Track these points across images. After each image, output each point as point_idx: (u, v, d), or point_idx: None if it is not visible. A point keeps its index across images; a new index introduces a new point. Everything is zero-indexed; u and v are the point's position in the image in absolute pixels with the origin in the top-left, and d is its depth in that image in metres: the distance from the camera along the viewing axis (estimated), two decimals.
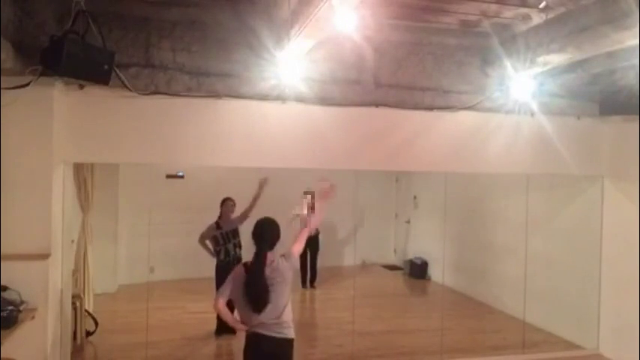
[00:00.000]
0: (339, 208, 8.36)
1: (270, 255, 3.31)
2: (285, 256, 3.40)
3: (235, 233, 6.10)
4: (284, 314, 3.33)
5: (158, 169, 6.91)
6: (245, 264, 3.38)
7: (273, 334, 3.30)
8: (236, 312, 3.44)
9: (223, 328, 5.86)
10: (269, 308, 3.25)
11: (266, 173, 5.90)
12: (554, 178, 6.28)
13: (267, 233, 3.36)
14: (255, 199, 6.08)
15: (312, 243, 8.29)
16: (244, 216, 6.10)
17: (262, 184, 6.07)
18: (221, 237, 6.07)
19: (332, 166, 5.20)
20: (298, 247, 3.51)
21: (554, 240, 6.52)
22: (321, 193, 3.87)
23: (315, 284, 8.49)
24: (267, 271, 3.26)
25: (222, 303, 3.30)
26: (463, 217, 8.02)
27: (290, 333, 3.38)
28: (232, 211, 6.18)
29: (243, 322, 3.35)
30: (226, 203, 6.19)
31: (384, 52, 5.08)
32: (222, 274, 5.78)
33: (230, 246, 6.05)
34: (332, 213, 8.50)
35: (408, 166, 5.76)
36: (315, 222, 3.86)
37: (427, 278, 9.35)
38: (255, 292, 3.23)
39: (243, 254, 6.01)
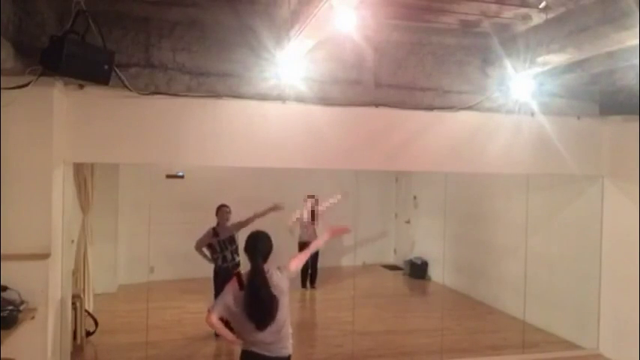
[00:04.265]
0: (339, 209, 8.38)
1: (265, 267, 3.19)
2: (280, 268, 3.29)
3: (232, 240, 6.05)
4: (284, 329, 3.22)
5: (158, 169, 6.91)
6: (238, 275, 3.20)
7: (272, 355, 3.18)
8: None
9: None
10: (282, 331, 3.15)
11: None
12: (554, 178, 6.28)
13: (259, 246, 3.23)
14: (257, 216, 5.97)
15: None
16: (241, 225, 6.03)
17: (273, 209, 6.01)
18: (218, 244, 6.02)
19: (332, 166, 5.20)
20: (297, 263, 3.41)
21: (554, 240, 6.52)
22: (335, 230, 3.70)
23: (316, 285, 8.49)
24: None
25: (215, 318, 3.15)
26: (463, 217, 8.02)
27: (288, 350, 3.26)
28: (228, 218, 6.12)
29: (239, 337, 3.24)
30: (222, 210, 6.11)
31: (384, 52, 5.08)
32: (220, 280, 5.78)
33: (227, 253, 6.01)
34: (332, 213, 8.54)
35: (408, 166, 5.76)
36: (314, 247, 3.68)
37: (427, 278, 9.35)
38: (260, 308, 3.09)
39: (241, 261, 6.00)
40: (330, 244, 9.16)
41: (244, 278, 3.17)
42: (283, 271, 3.30)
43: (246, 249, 3.27)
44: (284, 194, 6.68)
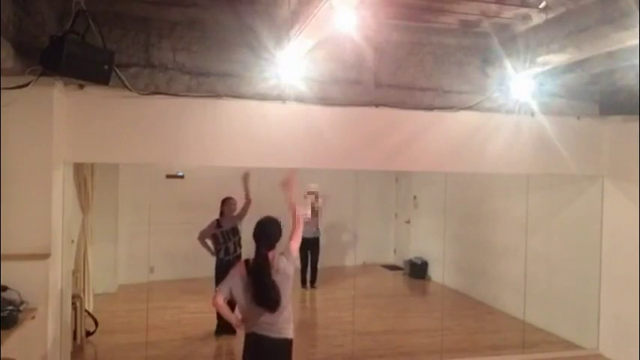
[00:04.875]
0: (339, 209, 8.38)
1: (270, 253, 3.30)
2: (284, 253, 3.39)
3: (235, 231, 6.10)
4: (285, 313, 3.33)
5: (158, 169, 6.91)
6: (247, 261, 3.35)
7: (273, 335, 3.30)
8: (237, 310, 3.44)
9: (223, 329, 5.86)
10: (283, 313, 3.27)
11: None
12: (554, 178, 6.28)
13: (267, 233, 3.34)
14: (247, 195, 6.10)
15: (313, 245, 8.29)
16: (243, 213, 6.12)
17: (245, 180, 6.09)
18: (221, 235, 6.07)
19: (332, 166, 5.20)
20: (295, 244, 3.48)
21: (554, 240, 6.52)
22: (284, 183, 3.69)
23: (316, 284, 8.49)
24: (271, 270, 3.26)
25: (220, 299, 3.29)
26: (463, 217, 8.01)
27: (289, 333, 3.38)
28: (234, 210, 6.20)
29: (243, 321, 3.35)
30: (228, 202, 6.19)
31: (384, 52, 5.08)
32: (222, 273, 5.78)
33: (230, 244, 6.06)
34: (332, 213, 8.55)
35: (408, 166, 5.75)
36: (296, 214, 3.64)
37: (427, 278, 9.35)
38: (265, 293, 3.21)
39: (243, 253, 6.03)
40: (331, 244, 9.18)
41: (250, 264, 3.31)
42: (288, 256, 3.39)
43: (254, 235, 3.37)
44: (284, 194, 6.65)
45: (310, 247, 8.23)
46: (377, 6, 4.02)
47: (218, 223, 6.12)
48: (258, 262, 3.27)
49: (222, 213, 6.19)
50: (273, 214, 3.56)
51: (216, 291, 3.35)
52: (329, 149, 5.05)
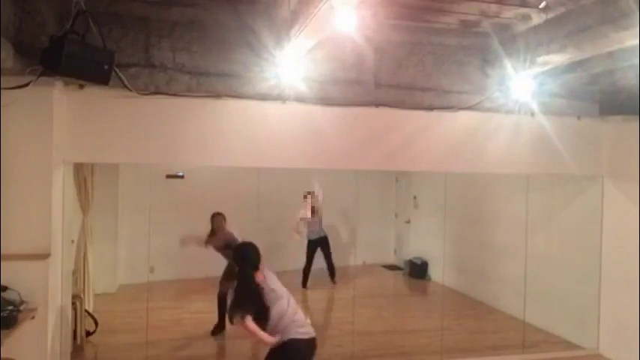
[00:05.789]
0: (339, 209, 8.37)
1: (262, 271, 3.44)
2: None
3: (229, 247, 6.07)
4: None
5: (158, 169, 6.90)
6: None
7: (314, 334, 3.55)
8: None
9: (220, 328, 5.86)
10: (299, 311, 3.51)
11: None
12: (554, 178, 6.28)
13: (247, 256, 3.47)
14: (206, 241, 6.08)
15: (322, 244, 8.27)
16: (220, 240, 6.01)
17: (185, 244, 6.17)
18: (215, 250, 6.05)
19: (332, 166, 5.21)
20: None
21: (554, 240, 6.52)
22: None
23: (335, 279, 8.41)
24: (275, 285, 3.47)
25: (249, 321, 3.36)
26: (463, 217, 8.01)
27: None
28: (223, 226, 6.12)
29: (272, 334, 3.42)
30: (216, 217, 6.13)
31: (384, 52, 5.08)
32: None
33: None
34: (332, 213, 8.54)
35: (408, 166, 5.76)
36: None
37: (427, 278, 9.35)
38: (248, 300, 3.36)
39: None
40: (331, 244, 9.14)
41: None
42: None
43: (235, 259, 3.55)
44: (284, 194, 6.68)
45: (318, 247, 8.19)
46: (377, 6, 4.02)
47: (208, 240, 6.09)
48: (244, 279, 3.40)
49: (212, 229, 6.13)
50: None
51: (241, 318, 3.37)
52: (329, 149, 5.05)
